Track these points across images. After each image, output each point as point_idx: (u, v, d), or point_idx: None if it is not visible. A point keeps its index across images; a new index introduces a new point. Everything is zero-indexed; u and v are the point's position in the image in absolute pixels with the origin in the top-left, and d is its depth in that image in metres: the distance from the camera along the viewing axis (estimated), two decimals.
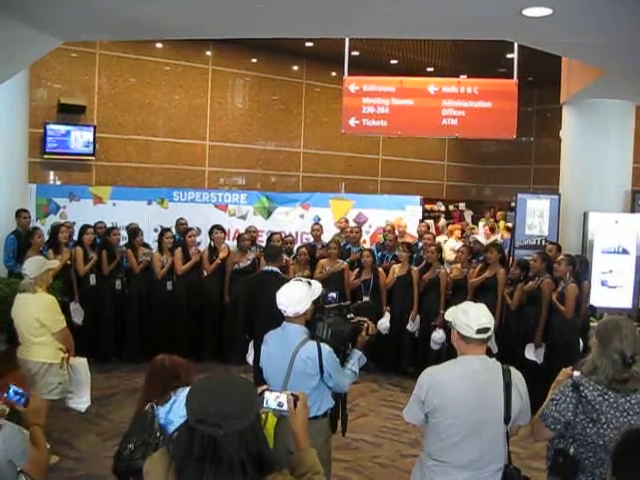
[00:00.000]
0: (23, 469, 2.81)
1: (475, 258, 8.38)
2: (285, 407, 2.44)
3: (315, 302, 3.80)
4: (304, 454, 2.36)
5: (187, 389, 3.25)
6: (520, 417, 3.14)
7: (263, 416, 2.55)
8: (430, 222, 12.68)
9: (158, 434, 3.07)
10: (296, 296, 3.66)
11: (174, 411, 3.08)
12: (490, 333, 3.14)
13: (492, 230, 12.24)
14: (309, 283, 3.79)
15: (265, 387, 2.51)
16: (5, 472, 2.73)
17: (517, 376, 3.15)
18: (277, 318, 3.78)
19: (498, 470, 3.09)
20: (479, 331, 3.08)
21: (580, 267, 7.35)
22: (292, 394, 2.49)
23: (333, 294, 4.12)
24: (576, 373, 3.12)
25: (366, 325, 3.97)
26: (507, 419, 3.05)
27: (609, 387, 2.94)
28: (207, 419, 1.83)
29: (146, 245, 8.66)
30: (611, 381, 2.94)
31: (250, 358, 5.99)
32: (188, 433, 1.88)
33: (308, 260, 8.33)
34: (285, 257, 8.20)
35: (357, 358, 3.89)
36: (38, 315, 5.12)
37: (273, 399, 2.44)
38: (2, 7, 5.66)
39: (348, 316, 4.01)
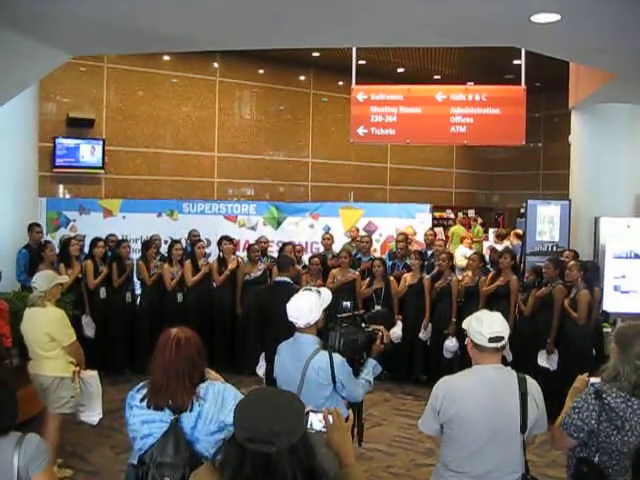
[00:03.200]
0: None
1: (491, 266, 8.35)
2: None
3: (325, 311, 3.77)
4: (349, 471, 2.32)
5: (210, 390, 2.88)
6: (536, 426, 3.10)
7: None
8: (439, 230, 12.66)
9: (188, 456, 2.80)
10: (307, 307, 3.64)
11: (199, 429, 2.84)
12: (504, 342, 3.10)
13: (500, 237, 12.18)
14: (318, 292, 3.77)
15: (310, 408, 2.41)
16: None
17: (533, 385, 3.11)
18: (289, 329, 3.76)
19: None
20: (491, 340, 3.04)
21: (591, 273, 7.30)
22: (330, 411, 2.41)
23: (347, 303, 4.09)
24: (593, 379, 3.09)
25: (380, 334, 3.94)
26: (523, 428, 3.02)
27: (632, 394, 2.91)
28: (259, 437, 1.81)
29: (163, 257, 8.67)
30: (634, 387, 2.91)
31: (261, 370, 5.94)
32: (238, 451, 1.85)
33: (320, 270, 8.30)
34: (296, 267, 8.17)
35: (371, 367, 3.87)
36: (48, 329, 5.11)
37: (318, 421, 2.40)
38: (11, 22, 5.69)
39: (362, 325, 3.98)
